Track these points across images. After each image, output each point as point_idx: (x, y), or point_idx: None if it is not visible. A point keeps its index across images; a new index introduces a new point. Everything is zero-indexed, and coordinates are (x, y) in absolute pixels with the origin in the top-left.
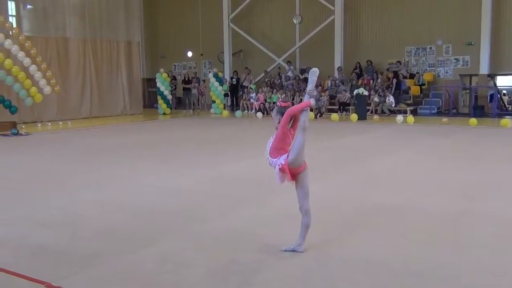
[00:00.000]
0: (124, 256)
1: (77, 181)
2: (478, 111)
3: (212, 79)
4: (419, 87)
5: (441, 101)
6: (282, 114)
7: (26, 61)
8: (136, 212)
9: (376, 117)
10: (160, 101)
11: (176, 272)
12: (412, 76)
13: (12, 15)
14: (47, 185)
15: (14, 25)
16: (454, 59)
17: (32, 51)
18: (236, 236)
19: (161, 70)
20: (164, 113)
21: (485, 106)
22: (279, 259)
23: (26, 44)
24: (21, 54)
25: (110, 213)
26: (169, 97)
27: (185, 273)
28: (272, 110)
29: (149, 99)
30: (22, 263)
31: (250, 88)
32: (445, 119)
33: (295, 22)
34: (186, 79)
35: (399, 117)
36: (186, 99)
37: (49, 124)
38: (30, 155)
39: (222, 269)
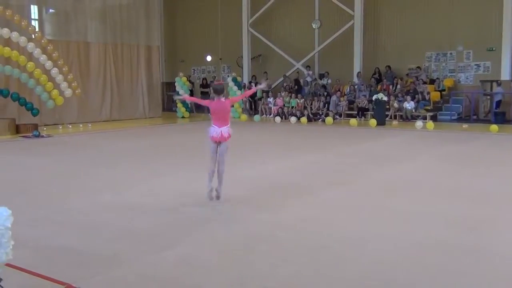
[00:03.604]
0: (143, 258)
1: (97, 183)
2: (499, 117)
3: (231, 84)
4: (439, 92)
5: (461, 107)
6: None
7: (48, 64)
8: (155, 215)
9: (395, 122)
10: (179, 104)
11: (195, 276)
12: (432, 81)
13: (34, 19)
14: (67, 186)
15: (37, 29)
16: (475, 64)
17: (54, 55)
18: (254, 240)
19: (181, 74)
20: (183, 117)
21: (507, 112)
22: (296, 264)
23: (48, 48)
24: (43, 58)
25: (130, 215)
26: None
27: (203, 277)
28: (290, 114)
29: (168, 102)
30: (43, 264)
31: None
32: (465, 125)
33: (314, 27)
34: (204, 83)
35: (419, 123)
36: None
37: (70, 126)
38: (51, 157)
39: (240, 273)
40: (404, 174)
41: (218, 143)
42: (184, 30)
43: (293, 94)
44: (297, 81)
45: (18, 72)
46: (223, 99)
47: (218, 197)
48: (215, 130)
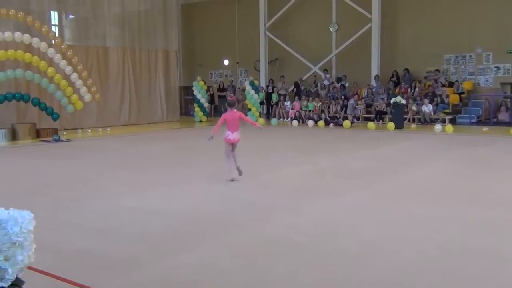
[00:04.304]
0: (161, 262)
1: (116, 186)
2: None
3: (248, 87)
4: (458, 95)
5: (481, 110)
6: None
7: (68, 69)
8: (173, 219)
9: (413, 126)
10: (197, 108)
11: (213, 280)
12: (451, 84)
13: (54, 25)
14: (87, 190)
15: (57, 35)
16: (495, 67)
17: (73, 60)
18: (272, 244)
19: (198, 78)
20: (201, 121)
21: None
22: (314, 268)
23: (68, 53)
24: (63, 63)
25: (148, 219)
26: (206, 105)
27: (221, 281)
28: (308, 118)
29: (186, 107)
30: (64, 267)
31: (283, 95)
32: (485, 129)
33: (331, 30)
34: (221, 87)
35: (438, 126)
36: (222, 107)
37: (89, 130)
38: (70, 161)
39: (258, 277)
40: (422, 177)
41: (232, 144)
42: (202, 35)
43: (310, 98)
44: (296, 84)
45: (38, 78)
46: (235, 110)
47: (240, 173)
48: (231, 135)
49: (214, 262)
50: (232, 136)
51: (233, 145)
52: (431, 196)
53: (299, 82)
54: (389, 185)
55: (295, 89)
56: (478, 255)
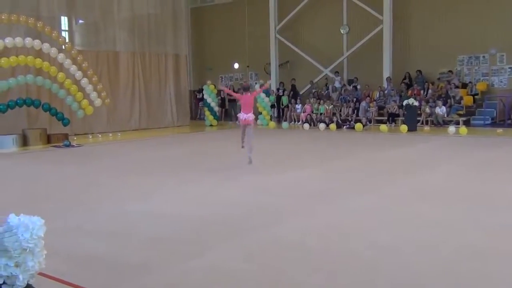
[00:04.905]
0: (172, 266)
1: (126, 191)
2: None
3: (258, 90)
4: (472, 97)
5: (495, 111)
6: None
7: (78, 74)
8: (183, 223)
9: (426, 128)
10: (207, 112)
11: (224, 284)
12: (464, 85)
13: (65, 30)
14: (97, 195)
15: (67, 40)
16: (509, 68)
17: (84, 65)
18: (284, 247)
19: (208, 82)
20: (211, 125)
21: None
22: (328, 272)
23: (78, 58)
24: (73, 68)
25: (158, 223)
26: (216, 108)
27: (232, 285)
28: (319, 121)
29: (196, 111)
30: (73, 272)
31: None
32: (500, 130)
33: (342, 32)
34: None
35: (451, 128)
36: (232, 110)
37: (100, 135)
38: (81, 166)
39: (271, 281)
40: (436, 180)
41: (245, 125)
42: (212, 38)
43: (321, 100)
44: (293, 87)
45: (49, 83)
46: (249, 94)
47: (250, 162)
48: (243, 116)
49: (225, 266)
50: (245, 116)
51: (246, 125)
52: (445, 199)
53: (295, 85)
54: (402, 188)
55: (291, 92)
56: (493, 258)
